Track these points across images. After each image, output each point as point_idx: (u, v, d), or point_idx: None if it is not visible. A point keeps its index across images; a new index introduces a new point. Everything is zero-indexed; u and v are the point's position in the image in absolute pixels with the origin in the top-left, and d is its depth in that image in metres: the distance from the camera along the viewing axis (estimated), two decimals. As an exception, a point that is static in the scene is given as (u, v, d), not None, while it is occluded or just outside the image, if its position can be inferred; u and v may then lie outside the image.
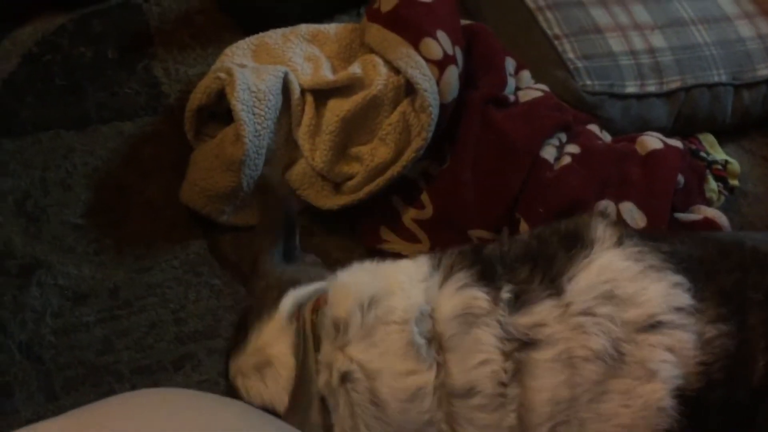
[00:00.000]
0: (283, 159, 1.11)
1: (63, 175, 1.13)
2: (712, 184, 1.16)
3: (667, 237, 0.73)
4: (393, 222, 1.09)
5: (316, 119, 1.10)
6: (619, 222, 0.74)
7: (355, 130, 1.10)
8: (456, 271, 0.70)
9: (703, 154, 1.22)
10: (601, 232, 0.70)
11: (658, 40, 1.28)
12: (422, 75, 1.05)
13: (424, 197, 1.10)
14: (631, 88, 1.22)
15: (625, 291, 0.66)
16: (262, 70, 1.11)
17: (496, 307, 0.66)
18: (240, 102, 1.05)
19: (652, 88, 1.23)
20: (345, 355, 0.67)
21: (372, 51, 1.13)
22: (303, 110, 1.10)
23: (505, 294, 0.67)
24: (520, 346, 0.65)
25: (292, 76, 1.11)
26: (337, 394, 0.66)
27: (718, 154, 1.25)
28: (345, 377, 0.66)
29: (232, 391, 0.72)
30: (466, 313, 0.66)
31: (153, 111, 1.21)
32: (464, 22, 1.19)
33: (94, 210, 1.10)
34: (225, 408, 0.49)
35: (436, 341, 0.66)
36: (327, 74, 1.13)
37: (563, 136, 1.12)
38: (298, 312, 0.71)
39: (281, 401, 0.67)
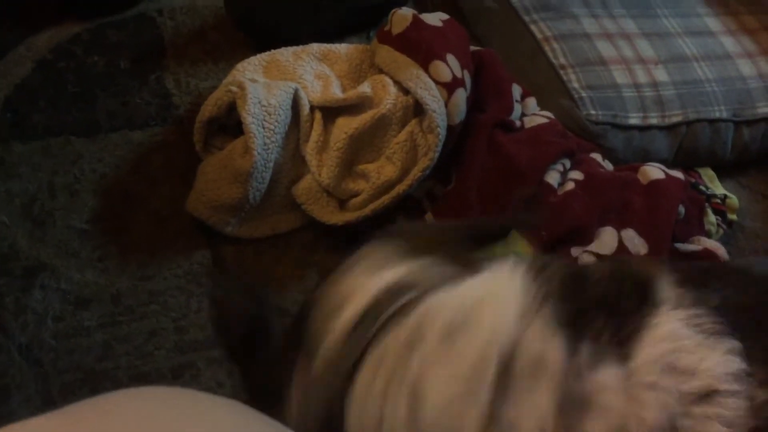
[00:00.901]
0: (290, 174, 1.12)
1: (71, 181, 1.13)
2: (711, 218, 1.18)
3: (711, 280, 0.69)
4: (397, 240, 1.10)
5: (324, 136, 1.11)
6: (684, 282, 0.69)
7: (362, 147, 1.12)
8: (546, 301, 0.65)
9: (702, 187, 1.24)
10: (668, 291, 0.67)
11: (661, 75, 1.30)
12: (431, 96, 1.07)
13: (429, 217, 1.11)
14: (634, 120, 1.25)
15: (685, 363, 0.63)
16: (273, 85, 1.12)
17: (571, 362, 0.62)
18: (250, 115, 1.06)
19: (654, 121, 1.26)
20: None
21: (381, 71, 1.15)
22: (311, 126, 1.12)
23: (584, 353, 0.63)
24: (575, 406, 0.61)
25: (302, 93, 1.12)
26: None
27: (717, 188, 1.27)
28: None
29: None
30: (538, 363, 0.62)
31: (163, 121, 1.23)
32: (473, 48, 1.22)
33: (100, 216, 1.10)
34: (223, 407, 0.49)
35: (507, 368, 0.62)
36: (336, 92, 1.15)
37: (567, 162, 1.14)
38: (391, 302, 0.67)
39: None
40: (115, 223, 1.10)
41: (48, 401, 0.93)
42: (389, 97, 1.10)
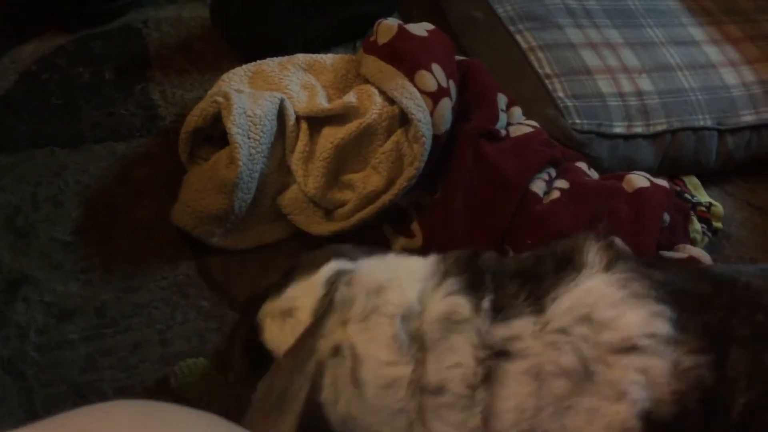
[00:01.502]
0: (275, 184, 1.12)
1: (55, 192, 1.13)
2: (697, 225, 1.18)
3: (665, 265, 0.74)
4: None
5: (309, 146, 1.11)
6: (613, 246, 0.74)
7: (348, 157, 1.12)
8: (448, 276, 0.74)
9: (687, 195, 1.24)
10: (592, 256, 0.72)
11: (645, 84, 1.31)
12: (416, 106, 1.07)
13: (414, 226, 1.11)
14: (619, 129, 1.25)
15: (603, 315, 0.68)
16: (259, 95, 1.12)
17: (477, 316, 0.70)
18: (236, 125, 1.06)
19: (639, 130, 1.26)
20: (342, 331, 0.71)
21: (367, 81, 1.15)
22: (297, 137, 1.12)
23: (486, 304, 0.70)
24: (494, 355, 0.68)
25: (287, 103, 1.12)
26: (327, 363, 0.71)
27: (702, 196, 1.27)
28: (336, 350, 0.71)
29: (242, 329, 0.77)
30: (448, 318, 0.70)
31: (148, 132, 1.22)
32: (459, 57, 1.22)
33: (83, 228, 1.10)
34: (201, 420, 0.49)
35: (418, 340, 0.70)
36: (322, 102, 1.15)
37: (552, 171, 1.14)
38: (335, 280, 0.76)
39: (280, 351, 0.72)
40: (99, 235, 1.09)
41: (31, 414, 0.92)
42: (375, 107, 1.10)
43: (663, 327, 0.66)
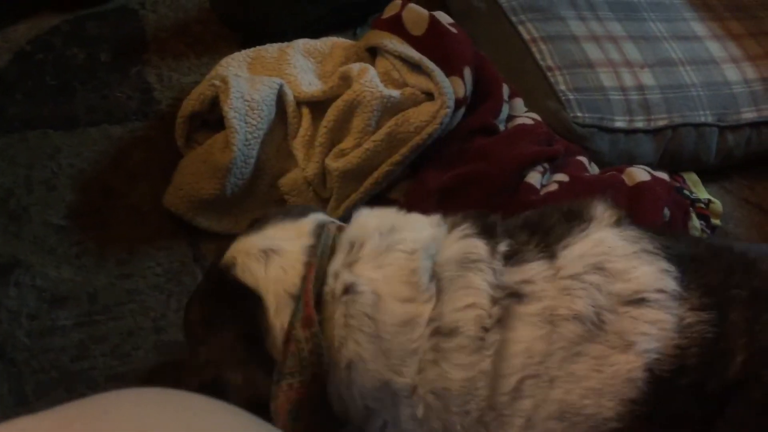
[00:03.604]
0: (273, 170, 1.11)
1: (48, 175, 1.11)
2: (696, 222, 1.17)
3: (664, 232, 0.75)
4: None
5: (311, 131, 1.10)
6: (620, 207, 0.75)
7: (338, 138, 1.10)
8: (460, 222, 0.73)
9: (686, 192, 1.24)
10: (601, 211, 0.73)
11: (647, 78, 1.30)
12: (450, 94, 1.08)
13: None
14: (620, 123, 1.24)
15: (616, 266, 0.68)
16: (257, 80, 1.11)
17: (493, 257, 0.69)
18: (233, 109, 1.04)
19: (640, 124, 1.25)
20: (352, 271, 0.70)
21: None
22: (299, 122, 1.10)
23: (503, 247, 0.70)
24: (508, 296, 0.68)
25: (287, 89, 1.11)
26: (335, 303, 0.69)
27: (701, 193, 1.27)
28: (349, 288, 0.69)
29: (211, 273, 0.75)
30: (465, 257, 0.69)
31: (143, 116, 1.20)
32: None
33: (77, 212, 1.08)
34: (218, 409, 0.48)
35: (436, 275, 0.69)
36: (322, 87, 1.13)
37: (547, 165, 1.13)
38: (320, 229, 0.74)
39: (272, 290, 0.70)
40: (93, 220, 1.08)
41: (22, 401, 0.91)
42: (365, 79, 1.08)
43: (671, 283, 0.68)
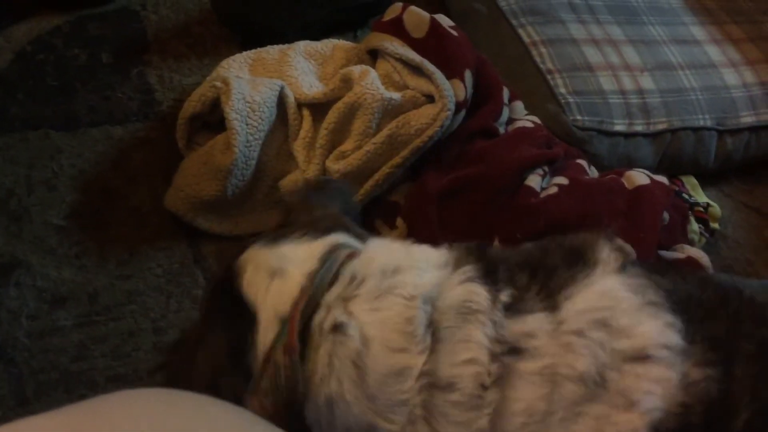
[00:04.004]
0: (274, 171, 1.11)
1: (49, 175, 1.11)
2: (694, 226, 1.18)
3: (669, 272, 0.73)
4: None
5: (312, 132, 1.10)
6: (624, 248, 0.73)
7: (339, 140, 1.11)
8: (463, 264, 0.70)
9: (685, 195, 1.24)
10: (606, 254, 0.70)
11: (647, 82, 1.31)
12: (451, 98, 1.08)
13: (399, 222, 1.10)
14: (619, 126, 1.25)
15: (620, 322, 0.65)
16: (259, 82, 1.11)
17: (494, 306, 0.66)
18: (234, 111, 1.05)
19: (639, 128, 1.26)
20: (346, 308, 0.68)
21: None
22: (300, 124, 1.11)
23: (504, 297, 0.67)
24: (508, 352, 0.65)
25: (288, 90, 1.11)
26: (322, 337, 0.67)
27: (700, 197, 1.27)
28: (338, 328, 0.67)
29: (226, 272, 0.73)
30: (465, 307, 0.66)
31: (144, 117, 1.20)
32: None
33: (78, 213, 1.08)
34: (225, 410, 0.49)
35: (431, 328, 0.66)
36: (323, 89, 1.14)
37: (547, 168, 1.13)
38: (334, 251, 0.72)
39: (266, 310, 0.69)
40: (93, 220, 1.08)
41: (22, 401, 0.91)
42: (366, 82, 1.09)
43: (674, 338, 0.65)
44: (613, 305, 0.66)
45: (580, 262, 0.69)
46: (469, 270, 0.69)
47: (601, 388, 0.64)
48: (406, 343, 0.65)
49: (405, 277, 0.69)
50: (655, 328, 0.65)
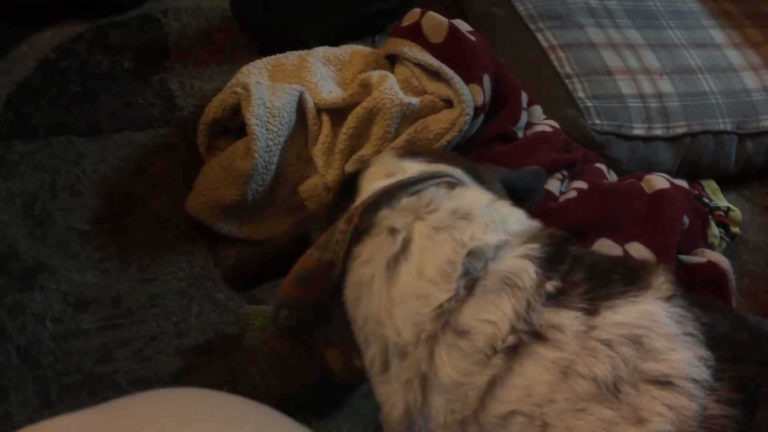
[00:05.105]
0: (293, 177, 1.12)
1: (72, 181, 1.12)
2: (715, 230, 1.17)
3: (711, 308, 0.73)
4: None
5: (331, 137, 1.11)
6: (678, 284, 0.73)
7: (358, 145, 1.11)
8: (534, 240, 0.72)
9: (705, 199, 1.24)
10: (660, 283, 0.71)
11: (666, 86, 1.30)
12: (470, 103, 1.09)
13: None
14: (639, 131, 1.24)
15: (654, 344, 0.66)
16: (278, 87, 1.12)
17: (536, 291, 0.68)
18: (255, 117, 1.05)
19: (658, 132, 1.25)
20: (410, 220, 0.73)
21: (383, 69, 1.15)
22: (320, 129, 1.12)
23: (550, 286, 0.69)
24: (530, 333, 0.67)
25: (307, 96, 1.12)
26: (377, 230, 0.73)
27: (720, 201, 1.27)
28: (394, 231, 0.73)
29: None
30: (509, 278, 0.69)
31: (166, 123, 1.22)
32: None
33: (100, 217, 1.09)
34: (255, 410, 0.49)
35: (472, 280, 0.69)
36: (342, 94, 1.14)
37: (566, 173, 1.13)
38: (437, 176, 0.78)
39: (364, 190, 0.77)
40: (116, 225, 1.09)
41: (46, 403, 0.92)
42: (384, 87, 1.09)
43: (704, 373, 0.66)
44: (651, 326, 0.67)
45: (635, 282, 0.70)
46: (535, 248, 0.71)
47: (613, 395, 0.64)
48: (438, 278, 0.69)
49: (470, 225, 0.73)
50: (687, 359, 0.66)
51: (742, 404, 0.65)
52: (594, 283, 0.70)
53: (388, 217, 0.73)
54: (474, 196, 0.77)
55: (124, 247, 1.07)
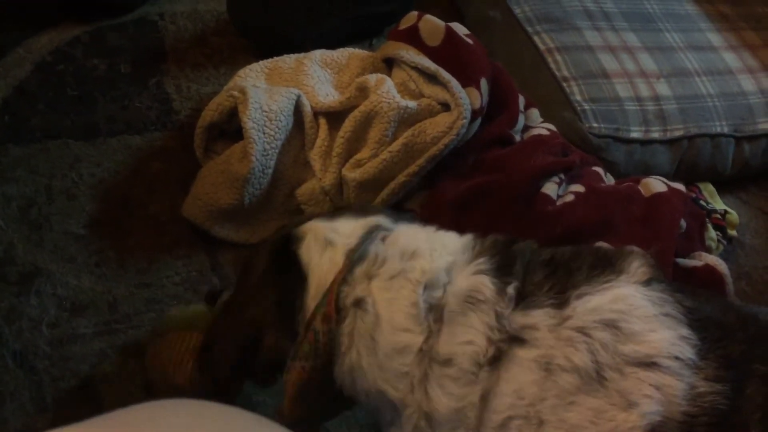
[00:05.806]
0: (290, 180, 1.12)
1: (69, 185, 1.12)
2: (712, 233, 1.17)
3: (694, 293, 0.74)
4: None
5: (328, 141, 1.11)
6: (657, 267, 0.74)
7: (357, 147, 1.11)
8: (480, 255, 0.75)
9: (702, 202, 1.24)
10: (635, 267, 0.72)
11: (663, 89, 1.31)
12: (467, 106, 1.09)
13: None
14: (636, 134, 1.24)
15: (632, 327, 0.67)
16: (275, 91, 1.12)
17: (500, 299, 0.70)
18: (251, 120, 1.05)
19: (655, 135, 1.25)
20: (367, 285, 0.74)
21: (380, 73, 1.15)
22: (317, 132, 1.11)
23: (511, 290, 0.71)
24: (507, 339, 0.69)
25: (304, 99, 1.12)
26: (347, 310, 0.74)
27: (717, 204, 1.27)
28: (359, 302, 0.73)
29: (284, 237, 0.80)
30: (470, 296, 0.71)
31: (162, 126, 1.22)
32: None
33: (97, 221, 1.09)
34: (247, 418, 0.49)
35: (437, 310, 0.72)
36: (339, 98, 1.14)
37: (563, 176, 1.13)
38: (373, 231, 0.79)
39: (316, 277, 0.76)
40: (112, 229, 1.09)
41: (42, 409, 0.92)
42: (382, 90, 1.09)
43: (688, 351, 0.66)
44: (627, 310, 0.68)
45: (606, 268, 0.71)
46: (483, 262, 0.73)
47: (597, 383, 0.66)
48: (409, 323, 0.72)
49: (418, 262, 0.75)
50: (668, 338, 0.66)
51: (730, 381, 0.66)
52: (558, 277, 0.71)
53: (348, 294, 0.74)
54: (410, 234, 0.79)
55: (120, 252, 1.07)
